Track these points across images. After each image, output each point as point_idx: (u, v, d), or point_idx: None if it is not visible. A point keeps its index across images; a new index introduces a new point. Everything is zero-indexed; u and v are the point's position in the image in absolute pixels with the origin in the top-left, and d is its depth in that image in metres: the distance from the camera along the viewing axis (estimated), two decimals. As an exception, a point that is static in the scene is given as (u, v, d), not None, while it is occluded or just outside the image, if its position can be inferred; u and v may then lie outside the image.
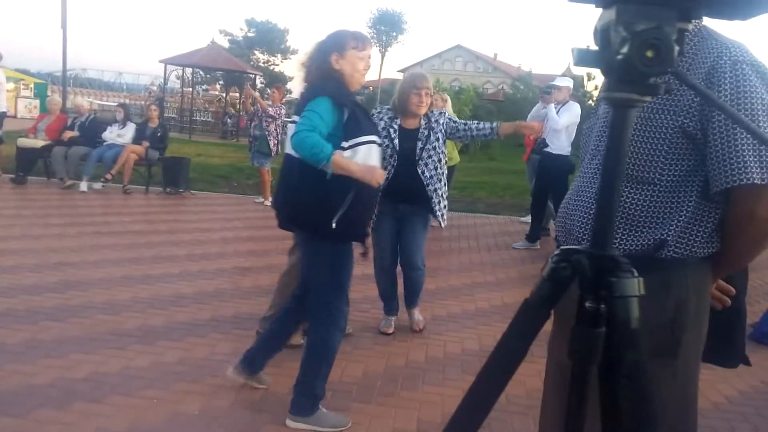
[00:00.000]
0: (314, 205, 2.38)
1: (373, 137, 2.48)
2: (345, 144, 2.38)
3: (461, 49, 58.20)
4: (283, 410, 2.61)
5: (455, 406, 0.94)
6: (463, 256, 6.06)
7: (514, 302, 0.94)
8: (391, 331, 3.75)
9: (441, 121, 3.58)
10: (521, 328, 0.94)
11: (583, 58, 0.87)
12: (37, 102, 20.47)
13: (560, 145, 6.25)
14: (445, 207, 3.67)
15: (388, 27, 44.52)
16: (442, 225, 3.69)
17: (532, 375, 2.73)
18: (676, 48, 0.78)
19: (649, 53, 0.77)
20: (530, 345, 0.92)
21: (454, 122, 3.67)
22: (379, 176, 2.41)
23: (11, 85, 17.83)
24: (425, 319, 3.95)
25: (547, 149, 6.34)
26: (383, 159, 3.15)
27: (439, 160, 3.58)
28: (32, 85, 22.59)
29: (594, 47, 0.87)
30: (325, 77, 2.47)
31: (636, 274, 0.88)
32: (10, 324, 3.41)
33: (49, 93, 18.97)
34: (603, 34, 0.84)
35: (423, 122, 3.57)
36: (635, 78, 0.80)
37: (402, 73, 32.57)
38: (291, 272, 3.25)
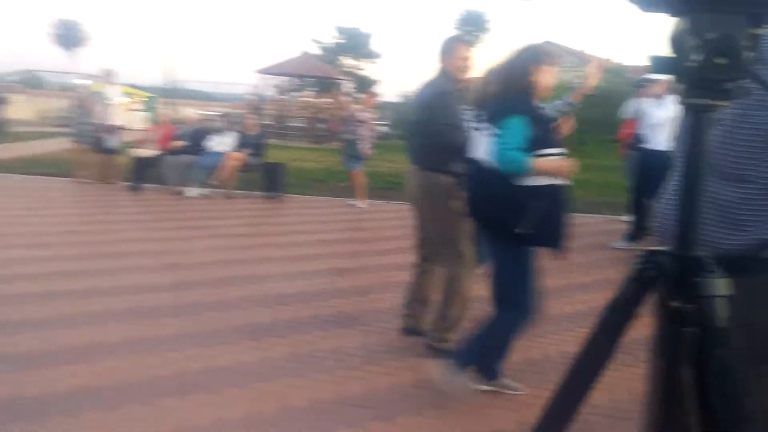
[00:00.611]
0: (506, 211, 2.59)
1: (558, 150, 2.67)
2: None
3: (550, 45, 56.62)
4: (386, 407, 2.70)
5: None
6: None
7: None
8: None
9: None
10: (606, 330, 0.95)
11: (660, 65, 0.89)
12: (148, 114, 22.02)
13: (658, 140, 5.96)
14: None
15: (472, 27, 44.15)
16: None
17: (635, 380, 2.66)
18: (750, 54, 0.79)
19: (721, 60, 0.79)
20: (616, 346, 0.93)
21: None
22: (568, 165, 2.67)
23: (126, 100, 19.30)
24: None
25: (644, 145, 6.08)
26: None
27: None
28: (142, 99, 24.31)
29: (670, 54, 0.88)
30: (521, 90, 2.65)
31: (721, 273, 0.88)
32: (134, 320, 3.74)
33: (157, 106, 20.33)
34: (676, 41, 0.86)
35: None
36: (709, 84, 0.82)
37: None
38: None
